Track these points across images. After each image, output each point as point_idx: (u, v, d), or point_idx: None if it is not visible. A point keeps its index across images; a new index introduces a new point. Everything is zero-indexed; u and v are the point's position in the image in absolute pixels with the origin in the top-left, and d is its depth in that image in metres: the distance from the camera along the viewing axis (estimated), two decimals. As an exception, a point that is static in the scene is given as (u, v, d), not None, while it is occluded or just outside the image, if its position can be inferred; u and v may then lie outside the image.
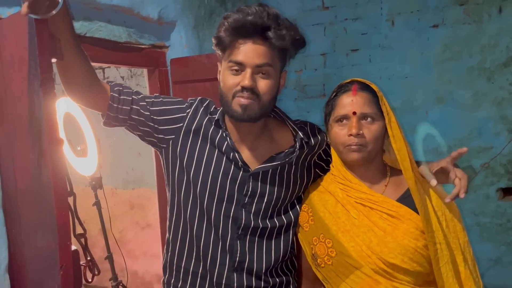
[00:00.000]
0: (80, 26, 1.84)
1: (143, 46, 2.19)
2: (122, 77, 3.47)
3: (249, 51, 1.15)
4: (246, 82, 1.15)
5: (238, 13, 1.15)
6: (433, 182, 1.18)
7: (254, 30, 1.14)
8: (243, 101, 1.16)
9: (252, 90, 1.16)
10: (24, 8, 0.95)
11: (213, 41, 1.21)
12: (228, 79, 1.18)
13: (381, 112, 1.21)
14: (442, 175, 1.23)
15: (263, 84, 1.17)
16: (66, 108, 2.31)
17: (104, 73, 3.53)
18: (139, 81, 3.37)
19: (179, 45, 2.35)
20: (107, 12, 1.94)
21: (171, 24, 2.29)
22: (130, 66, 2.64)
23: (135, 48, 2.15)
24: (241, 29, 1.14)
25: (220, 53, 1.21)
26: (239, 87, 1.16)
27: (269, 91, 1.19)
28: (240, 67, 1.16)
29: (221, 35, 1.17)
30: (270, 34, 1.14)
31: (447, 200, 1.15)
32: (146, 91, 2.39)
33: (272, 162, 1.26)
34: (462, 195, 1.13)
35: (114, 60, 2.12)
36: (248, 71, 1.15)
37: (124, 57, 2.11)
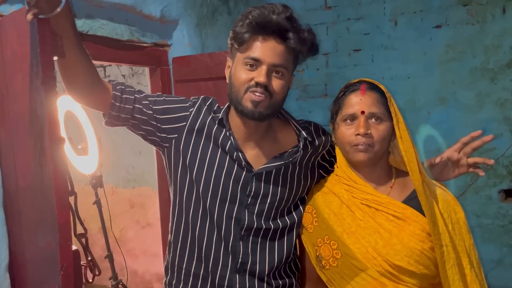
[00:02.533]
0: (82, 24, 1.84)
1: (145, 45, 2.18)
2: (124, 76, 3.46)
3: (268, 49, 1.15)
4: (261, 78, 1.14)
5: (263, 10, 1.15)
6: (437, 159, 1.23)
7: (277, 29, 1.14)
8: (255, 97, 1.15)
9: (266, 88, 1.15)
10: (29, 15, 0.95)
11: (231, 34, 1.20)
12: (241, 74, 1.17)
13: (389, 112, 1.20)
14: (448, 169, 1.24)
15: (276, 84, 1.17)
16: (67, 106, 2.30)
17: (105, 71, 3.52)
18: (141, 79, 3.36)
19: (181, 44, 2.35)
20: (109, 10, 1.94)
21: (173, 23, 2.28)
22: (132, 64, 2.63)
23: (137, 46, 2.14)
24: (265, 26, 1.14)
25: (236, 47, 1.19)
26: (253, 82, 1.15)
27: (282, 91, 1.19)
28: (256, 63, 1.15)
29: (242, 30, 1.16)
30: (292, 36, 1.14)
31: (482, 173, 1.22)
32: (147, 89, 2.38)
33: (275, 162, 1.24)
34: (491, 162, 1.20)
35: (116, 59, 2.11)
36: (264, 68, 1.15)
37: (126, 55, 2.10)
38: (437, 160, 1.25)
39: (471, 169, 1.23)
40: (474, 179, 2.70)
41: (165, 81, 2.32)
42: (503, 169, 2.70)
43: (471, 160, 1.22)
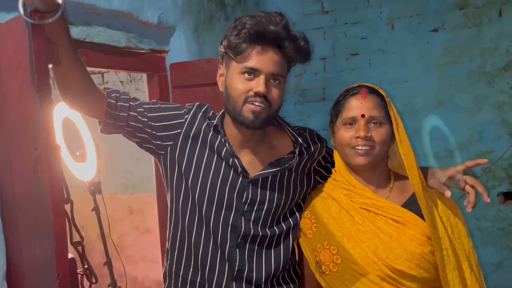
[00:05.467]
0: (79, 31, 1.84)
1: (142, 51, 2.18)
2: (122, 82, 3.46)
3: (266, 59, 1.14)
4: (261, 88, 1.14)
5: (260, 19, 1.14)
6: (447, 193, 1.19)
7: (273, 39, 1.14)
8: (255, 107, 1.15)
9: (265, 97, 1.15)
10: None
11: (225, 42, 1.19)
12: (238, 84, 1.16)
13: (389, 117, 1.21)
14: (449, 181, 1.23)
15: (275, 92, 1.17)
16: (65, 113, 2.30)
17: (103, 77, 3.52)
18: (139, 85, 3.36)
19: (178, 50, 2.35)
20: (106, 17, 1.94)
21: (170, 29, 2.29)
22: (129, 71, 2.63)
23: (134, 53, 2.14)
24: (262, 36, 1.13)
25: (231, 56, 1.18)
26: (251, 93, 1.15)
27: (279, 99, 1.19)
28: (254, 72, 1.15)
29: (238, 40, 1.15)
30: (288, 45, 1.15)
31: (469, 210, 1.15)
32: (145, 95, 2.38)
33: (271, 168, 1.24)
34: (487, 200, 1.13)
35: (113, 65, 2.11)
36: (262, 78, 1.14)
37: (124, 62, 2.10)
38: (442, 179, 1.23)
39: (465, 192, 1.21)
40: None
41: (162, 87, 2.32)
42: (502, 172, 2.70)
43: (468, 189, 1.19)
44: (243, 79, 1.16)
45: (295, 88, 3.15)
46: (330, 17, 3.03)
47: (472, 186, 1.17)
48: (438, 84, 2.80)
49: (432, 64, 2.80)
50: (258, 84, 1.14)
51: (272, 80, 1.16)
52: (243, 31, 1.14)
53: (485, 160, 1.19)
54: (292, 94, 3.15)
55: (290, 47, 1.15)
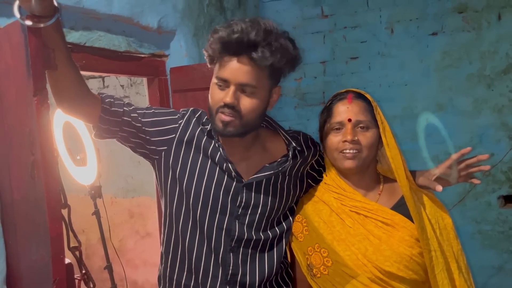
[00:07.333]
0: (79, 36, 1.85)
1: (142, 55, 2.19)
2: (122, 86, 3.48)
3: (234, 69, 1.13)
4: (228, 99, 1.13)
5: (226, 29, 1.13)
6: (439, 188, 1.20)
7: (239, 48, 1.12)
8: (224, 117, 1.15)
9: (233, 108, 1.14)
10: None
11: (204, 53, 1.21)
12: (213, 94, 1.18)
13: (375, 121, 1.22)
14: (440, 180, 1.24)
15: (246, 103, 1.15)
16: (65, 117, 2.31)
17: (104, 81, 3.54)
18: (139, 89, 3.37)
19: (178, 54, 2.36)
20: (106, 21, 1.95)
21: (170, 33, 2.30)
22: (129, 75, 2.64)
23: (134, 57, 2.15)
24: (226, 46, 1.13)
25: (211, 66, 1.20)
26: (222, 103, 1.15)
27: (253, 110, 1.16)
28: (224, 83, 1.15)
29: (209, 51, 1.17)
30: (254, 54, 1.11)
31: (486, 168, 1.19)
32: (145, 99, 2.39)
33: (265, 172, 1.25)
34: (486, 156, 1.18)
35: (113, 69, 2.12)
36: (231, 88, 1.14)
37: (124, 66, 2.11)
38: (431, 177, 1.25)
39: (465, 179, 1.23)
40: (473, 186, 2.70)
41: (163, 91, 2.33)
42: (502, 175, 2.69)
43: (464, 172, 1.21)
44: (217, 90, 1.17)
45: (295, 92, 3.16)
46: (330, 21, 3.04)
47: (466, 166, 1.20)
48: (438, 87, 2.80)
49: (431, 68, 2.80)
50: (226, 95, 1.14)
51: (244, 91, 1.15)
52: (212, 40, 1.15)
53: (469, 149, 1.21)
54: (292, 98, 3.15)
55: (257, 56, 1.10)
